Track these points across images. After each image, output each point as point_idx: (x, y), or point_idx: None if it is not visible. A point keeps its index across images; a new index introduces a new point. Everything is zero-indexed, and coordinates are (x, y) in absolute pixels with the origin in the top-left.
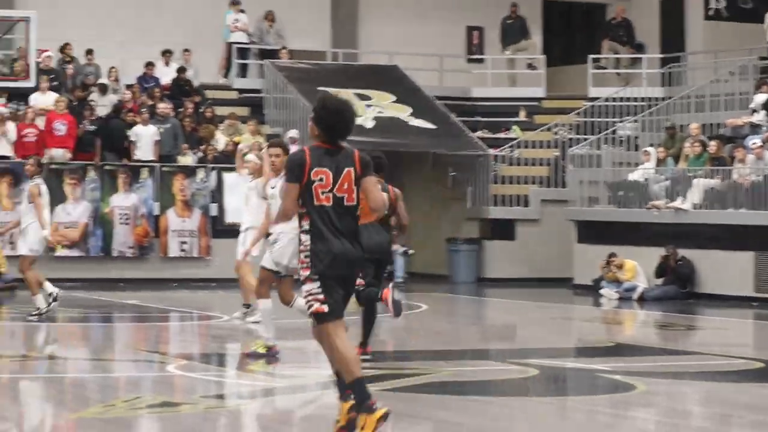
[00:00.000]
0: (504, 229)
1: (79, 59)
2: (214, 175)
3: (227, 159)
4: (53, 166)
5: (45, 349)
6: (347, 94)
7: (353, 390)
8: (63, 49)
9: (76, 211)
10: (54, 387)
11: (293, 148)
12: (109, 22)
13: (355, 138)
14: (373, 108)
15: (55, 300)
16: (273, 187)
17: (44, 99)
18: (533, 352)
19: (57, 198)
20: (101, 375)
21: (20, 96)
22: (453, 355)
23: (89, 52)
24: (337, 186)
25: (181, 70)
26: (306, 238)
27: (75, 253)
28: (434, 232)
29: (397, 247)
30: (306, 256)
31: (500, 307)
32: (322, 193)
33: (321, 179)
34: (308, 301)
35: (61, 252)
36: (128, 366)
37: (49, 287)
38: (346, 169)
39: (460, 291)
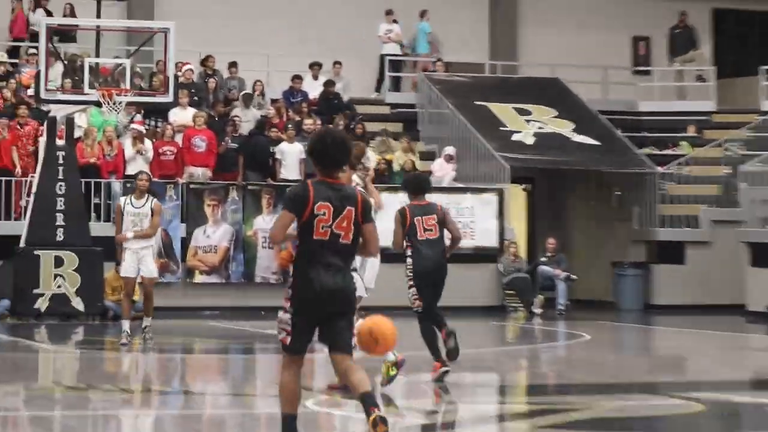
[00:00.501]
0: (673, 252)
1: (221, 72)
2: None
3: (379, 178)
4: (193, 186)
5: (179, 383)
6: (506, 108)
7: (282, 426)
8: (204, 61)
9: (216, 235)
10: (191, 425)
11: (449, 167)
12: (255, 34)
13: (515, 155)
14: (533, 123)
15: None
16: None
17: (183, 115)
18: (701, 386)
19: (196, 220)
20: (240, 411)
21: (158, 113)
22: (615, 389)
23: (233, 65)
24: (335, 223)
25: (329, 83)
26: (294, 270)
27: (214, 279)
28: (598, 256)
29: (559, 273)
30: (290, 287)
31: (668, 336)
32: (322, 227)
33: (323, 213)
34: (278, 328)
35: (199, 278)
36: (271, 402)
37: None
38: (348, 208)
39: (626, 319)
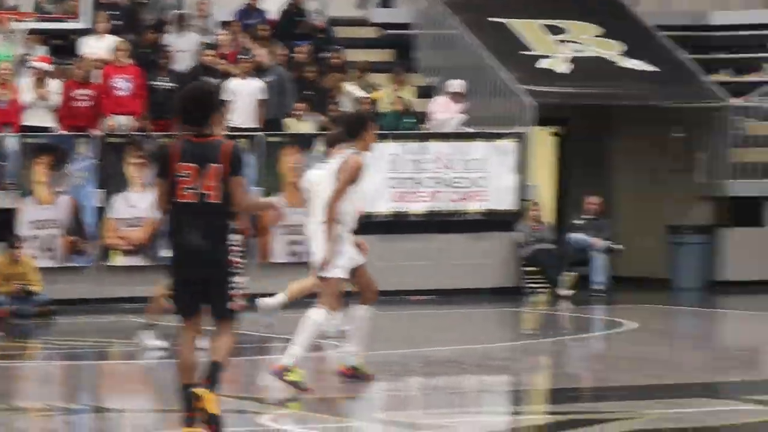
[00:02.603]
0: (748, 212)
1: None
2: None
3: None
4: (111, 140)
5: (90, 398)
6: (531, 26)
7: (181, 395)
8: None
9: (144, 203)
10: None
11: (456, 107)
12: None
13: (542, 87)
14: (567, 45)
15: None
16: None
17: (101, 45)
18: None
19: (117, 185)
20: None
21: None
22: (668, 392)
23: None
24: (201, 183)
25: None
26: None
27: (138, 261)
28: (650, 219)
29: (596, 242)
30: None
31: (737, 323)
32: (185, 189)
33: (186, 174)
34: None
35: (119, 261)
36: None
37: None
38: (211, 166)
39: (684, 301)
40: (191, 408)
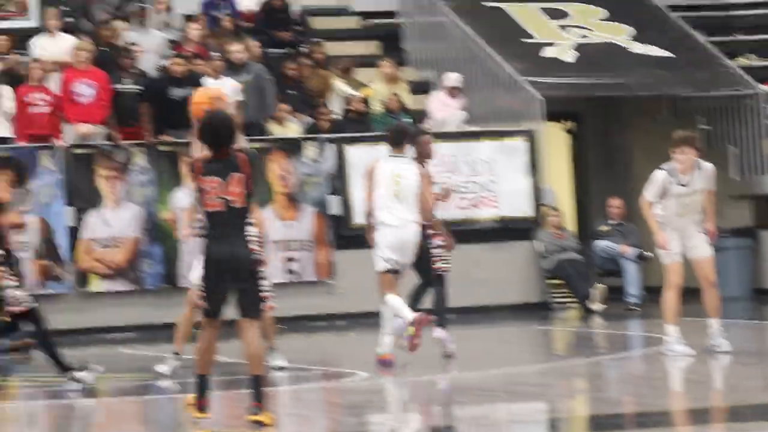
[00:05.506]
0: None
1: None
2: (331, 150)
3: (352, 125)
4: (78, 151)
5: None
6: (531, 11)
7: (195, 384)
8: None
9: (119, 221)
10: None
11: (455, 103)
12: None
13: (549, 79)
14: (572, 31)
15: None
16: None
17: (55, 46)
18: None
19: (88, 200)
20: None
21: (18, 42)
22: (721, 416)
23: None
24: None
25: None
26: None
27: (120, 286)
28: None
29: (626, 250)
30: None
31: None
32: (213, 199)
33: (212, 186)
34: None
35: (98, 286)
36: None
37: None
38: (234, 175)
39: (728, 311)
40: (203, 395)
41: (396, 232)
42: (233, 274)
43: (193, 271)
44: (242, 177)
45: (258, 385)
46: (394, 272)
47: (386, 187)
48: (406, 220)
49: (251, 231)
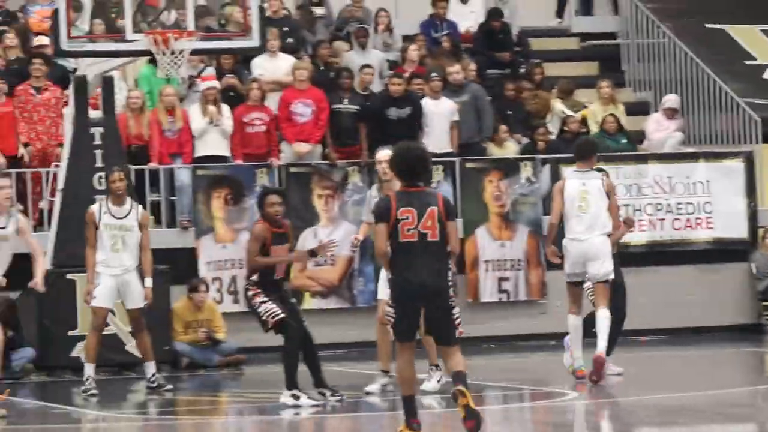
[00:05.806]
0: None
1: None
2: (547, 171)
3: (568, 146)
4: (295, 170)
5: None
6: (752, 32)
7: (403, 406)
8: None
9: (333, 239)
10: None
11: (672, 124)
12: None
13: (753, 99)
14: None
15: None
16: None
17: (274, 65)
18: None
19: (303, 219)
20: None
21: (239, 64)
22: None
23: None
24: (421, 223)
25: (495, 13)
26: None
27: (333, 303)
28: None
29: None
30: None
31: None
32: (408, 230)
33: (407, 218)
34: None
35: (311, 303)
36: None
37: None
38: (430, 208)
39: None
40: (412, 413)
41: (580, 246)
42: (425, 303)
43: (383, 288)
44: (436, 210)
45: (460, 380)
46: (578, 284)
47: (571, 202)
48: (590, 233)
49: (445, 262)
